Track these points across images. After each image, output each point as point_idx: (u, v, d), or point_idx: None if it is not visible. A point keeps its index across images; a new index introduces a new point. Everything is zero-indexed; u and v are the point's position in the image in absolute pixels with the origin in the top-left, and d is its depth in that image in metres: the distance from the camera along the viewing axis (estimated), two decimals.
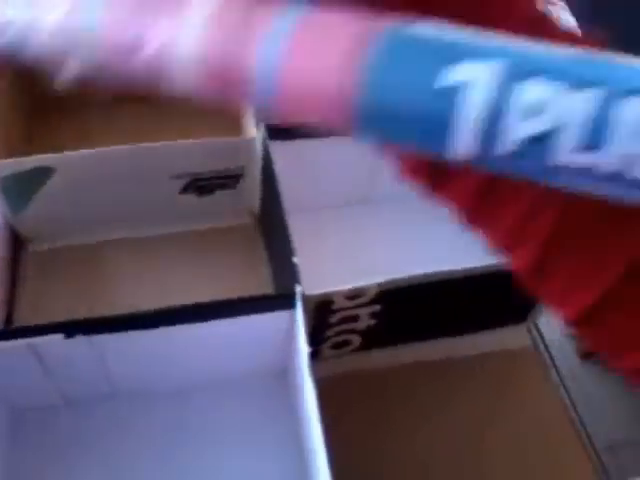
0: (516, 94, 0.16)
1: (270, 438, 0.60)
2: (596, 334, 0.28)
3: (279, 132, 0.58)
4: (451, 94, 0.17)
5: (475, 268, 0.53)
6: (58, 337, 0.48)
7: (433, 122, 0.18)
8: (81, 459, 0.58)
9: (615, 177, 0.16)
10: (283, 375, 0.64)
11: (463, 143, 0.18)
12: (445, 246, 0.59)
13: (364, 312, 0.54)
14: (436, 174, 0.27)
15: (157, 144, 0.58)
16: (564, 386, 0.76)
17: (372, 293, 0.52)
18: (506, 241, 0.28)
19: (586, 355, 1.40)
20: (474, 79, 0.17)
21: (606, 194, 0.17)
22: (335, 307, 0.53)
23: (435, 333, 0.61)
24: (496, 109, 0.17)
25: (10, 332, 0.49)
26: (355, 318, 0.55)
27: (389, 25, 0.19)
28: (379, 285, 0.51)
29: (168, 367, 0.58)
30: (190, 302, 0.51)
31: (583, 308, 0.26)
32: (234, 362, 0.60)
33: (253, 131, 0.60)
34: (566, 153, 0.16)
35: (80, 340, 0.49)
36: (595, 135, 0.16)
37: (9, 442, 0.58)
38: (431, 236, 0.63)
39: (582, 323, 0.27)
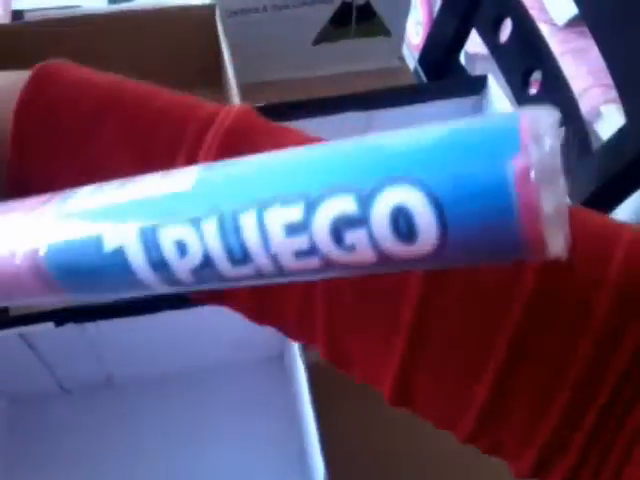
0: (161, 244, 0.19)
1: (266, 422, 0.60)
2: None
3: (262, 114, 0.58)
4: (118, 255, 0.19)
5: None
6: (49, 325, 0.48)
7: (120, 276, 0.20)
8: (78, 447, 0.58)
9: (278, 274, 0.18)
10: (279, 359, 0.64)
11: (155, 284, 0.20)
12: None
13: None
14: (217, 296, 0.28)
15: None
16: None
17: None
18: (297, 335, 0.29)
19: None
20: (124, 241, 0.19)
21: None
22: None
23: None
24: (155, 258, 0.19)
25: (1, 322, 0.49)
26: None
27: (51, 206, 0.21)
28: None
29: (162, 353, 0.58)
30: None
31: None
32: (229, 347, 0.61)
33: None
34: (229, 270, 0.19)
35: (71, 328, 0.49)
36: (232, 252, 0.18)
37: (7, 431, 0.59)
38: None
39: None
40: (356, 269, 0.18)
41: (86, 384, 0.60)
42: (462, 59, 0.92)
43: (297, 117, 0.59)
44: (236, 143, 0.26)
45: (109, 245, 0.19)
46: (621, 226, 0.24)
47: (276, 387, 0.62)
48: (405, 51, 0.86)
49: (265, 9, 0.73)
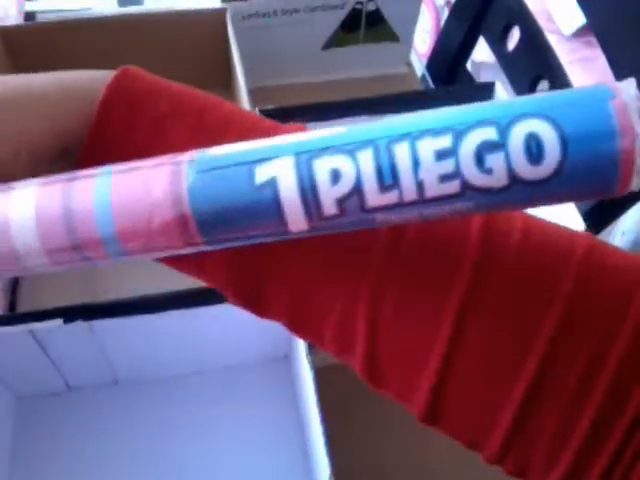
0: (315, 172, 0.21)
1: (271, 424, 0.60)
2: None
3: (272, 117, 0.58)
4: (269, 186, 0.21)
5: None
6: (57, 322, 0.48)
7: (264, 212, 0.22)
8: (83, 444, 0.58)
9: (417, 201, 0.21)
10: (285, 361, 0.64)
11: (295, 220, 0.22)
12: None
13: None
14: (252, 299, 0.28)
15: None
16: None
17: None
18: (336, 351, 0.29)
19: None
20: (278, 172, 0.21)
21: (421, 216, 0.22)
22: None
23: None
24: (307, 186, 0.21)
25: (10, 318, 0.49)
26: None
27: (193, 152, 0.23)
28: None
29: (169, 352, 0.59)
30: (192, 287, 0.51)
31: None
32: (236, 347, 0.61)
33: None
34: (374, 198, 0.21)
35: (80, 325, 0.49)
36: (383, 177, 0.21)
37: (14, 428, 0.59)
38: None
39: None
40: (485, 196, 0.21)
41: (92, 382, 0.60)
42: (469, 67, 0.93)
43: (305, 120, 0.60)
44: None
45: (261, 177, 0.21)
46: None
47: (281, 389, 0.62)
48: (413, 57, 0.86)
49: (276, 13, 0.74)
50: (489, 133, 0.20)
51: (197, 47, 0.75)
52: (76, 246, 0.23)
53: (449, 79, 0.88)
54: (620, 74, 0.68)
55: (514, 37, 0.81)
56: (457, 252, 0.26)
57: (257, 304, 0.29)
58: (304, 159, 0.21)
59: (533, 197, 0.21)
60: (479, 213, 0.23)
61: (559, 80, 0.75)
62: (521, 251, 0.26)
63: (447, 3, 1.41)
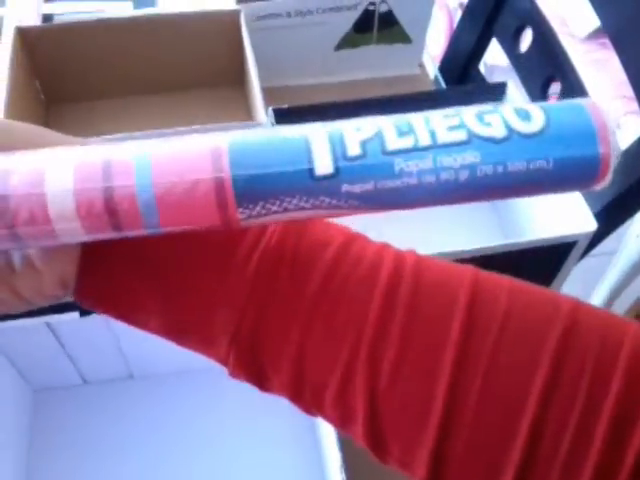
0: (342, 128, 0.25)
1: (284, 422, 0.60)
2: None
3: (285, 116, 0.59)
4: (300, 135, 0.25)
5: (485, 248, 0.53)
6: (74, 315, 0.49)
7: (292, 148, 0.25)
8: (98, 437, 0.59)
9: (431, 146, 0.25)
10: None
11: (321, 158, 0.24)
12: (455, 226, 0.59)
13: None
14: (257, 375, 0.30)
15: (170, 129, 0.59)
16: None
17: None
18: (338, 421, 0.29)
19: None
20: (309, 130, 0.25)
21: (436, 169, 0.25)
22: None
23: None
24: (334, 133, 0.25)
25: (28, 310, 0.50)
26: None
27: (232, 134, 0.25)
28: None
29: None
30: None
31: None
32: None
33: (263, 116, 0.61)
34: (393, 142, 0.25)
35: (96, 319, 0.50)
36: (401, 127, 0.25)
37: (31, 421, 0.60)
38: (442, 215, 0.63)
39: None
40: (490, 145, 0.25)
41: (108, 376, 0.61)
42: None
43: (318, 120, 0.60)
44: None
45: (293, 132, 0.25)
46: (625, 321, 0.28)
47: None
48: (425, 59, 0.87)
49: (289, 15, 0.74)
50: (484, 107, 0.26)
51: (211, 48, 0.76)
52: (111, 209, 0.24)
53: (461, 81, 0.88)
54: (634, 75, 0.68)
55: (527, 39, 0.81)
56: (448, 314, 0.27)
57: (260, 377, 0.30)
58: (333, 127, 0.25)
59: (532, 152, 0.25)
60: (487, 169, 0.25)
61: (571, 81, 0.75)
62: (508, 314, 0.27)
63: (460, 5, 1.41)
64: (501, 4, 0.84)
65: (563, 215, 0.57)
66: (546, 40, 0.78)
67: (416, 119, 0.25)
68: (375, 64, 0.83)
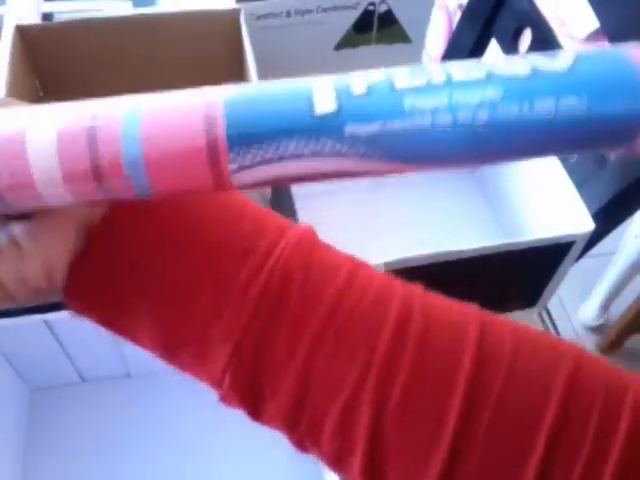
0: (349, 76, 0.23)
1: None
2: None
3: None
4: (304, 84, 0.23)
5: (483, 248, 0.53)
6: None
7: (293, 94, 0.23)
8: (95, 436, 0.59)
9: (446, 84, 0.22)
10: None
11: (323, 98, 0.22)
12: (454, 226, 0.59)
13: None
14: (253, 398, 0.28)
15: None
16: None
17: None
18: (333, 455, 0.28)
19: (607, 349, 1.38)
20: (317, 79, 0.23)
21: (452, 109, 0.22)
22: None
23: None
24: (340, 79, 0.23)
25: (25, 307, 0.50)
26: None
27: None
28: (386, 264, 0.52)
29: None
30: None
31: None
32: None
33: None
34: (404, 80, 0.22)
35: None
36: (416, 71, 0.23)
37: (28, 420, 0.60)
38: (440, 216, 0.63)
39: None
40: (512, 82, 0.22)
41: (105, 375, 0.61)
42: None
43: None
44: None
45: (298, 82, 0.23)
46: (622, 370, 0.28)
47: None
48: (425, 59, 0.87)
49: (289, 14, 0.74)
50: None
51: (211, 47, 0.76)
52: (96, 165, 0.22)
53: None
54: None
55: (526, 39, 0.81)
56: (459, 347, 0.27)
57: (256, 401, 0.28)
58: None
59: (561, 87, 0.21)
60: (511, 106, 0.22)
61: None
62: (515, 354, 0.27)
63: (459, 6, 1.41)
64: (500, 4, 0.84)
65: (561, 215, 0.57)
66: (545, 41, 0.78)
67: (430, 65, 0.23)
68: (375, 64, 0.82)
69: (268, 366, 0.27)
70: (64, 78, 0.74)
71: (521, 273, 0.58)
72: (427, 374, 0.26)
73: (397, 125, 0.22)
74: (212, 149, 0.22)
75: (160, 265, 0.28)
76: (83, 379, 0.61)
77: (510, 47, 0.83)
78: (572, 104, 0.22)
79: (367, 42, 0.81)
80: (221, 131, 0.22)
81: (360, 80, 0.23)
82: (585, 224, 0.55)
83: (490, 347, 0.27)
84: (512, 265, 0.56)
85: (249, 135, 0.22)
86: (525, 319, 0.66)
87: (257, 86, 0.23)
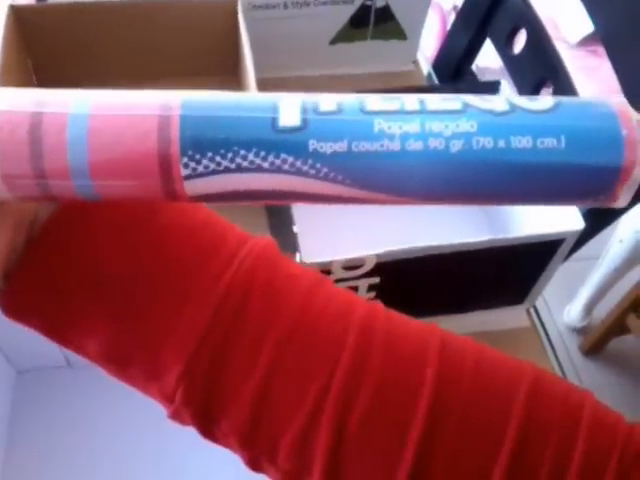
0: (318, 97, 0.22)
1: None
2: None
3: None
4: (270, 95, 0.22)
5: (473, 243, 0.53)
6: None
7: (260, 103, 0.22)
8: (81, 420, 0.59)
9: (418, 111, 0.22)
10: None
11: (287, 110, 0.21)
12: (447, 220, 0.59)
13: (363, 284, 0.55)
14: (206, 415, 0.26)
15: None
16: (563, 375, 0.76)
17: (370, 264, 0.52)
18: (287, 476, 0.27)
19: (590, 350, 1.39)
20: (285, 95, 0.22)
21: (423, 132, 0.21)
22: (333, 278, 0.53)
23: (433, 310, 0.62)
24: (308, 99, 0.22)
25: None
26: (353, 290, 0.56)
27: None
28: (377, 256, 0.52)
29: None
30: None
31: None
32: None
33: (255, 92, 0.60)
34: (375, 103, 0.22)
35: None
36: (388, 98, 0.22)
37: (13, 402, 0.60)
38: (432, 210, 0.63)
39: None
40: (488, 116, 0.21)
41: None
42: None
43: None
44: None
45: (265, 95, 0.22)
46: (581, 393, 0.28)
47: None
48: (419, 56, 0.87)
49: (286, 6, 0.74)
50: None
51: (207, 36, 0.76)
52: (38, 165, 0.20)
53: (454, 80, 0.89)
54: (626, 82, 0.69)
55: (520, 40, 0.82)
56: (422, 357, 0.27)
57: (208, 418, 0.26)
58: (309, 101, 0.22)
59: (537, 128, 0.21)
60: (485, 141, 0.21)
61: (563, 84, 0.75)
62: (475, 375, 0.27)
63: (454, 8, 1.42)
64: (495, 5, 0.84)
65: (551, 213, 0.58)
66: (539, 42, 0.79)
67: (407, 96, 0.22)
68: (370, 59, 0.83)
69: (223, 382, 0.26)
70: (57, 59, 0.73)
71: (510, 269, 0.59)
72: (388, 395, 0.26)
73: (365, 146, 0.21)
74: (164, 151, 0.21)
75: (112, 271, 0.26)
76: (69, 362, 0.61)
77: (504, 48, 0.84)
78: (550, 146, 0.21)
79: (363, 38, 0.81)
80: (175, 133, 0.21)
81: (329, 98, 0.22)
82: (575, 222, 0.55)
83: (451, 365, 0.27)
84: (501, 261, 0.56)
85: (204, 140, 0.21)
86: (512, 316, 0.66)
87: (221, 93, 0.22)
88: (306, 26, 0.77)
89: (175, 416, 0.27)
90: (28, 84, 0.73)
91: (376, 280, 0.54)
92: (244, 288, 0.26)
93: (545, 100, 0.22)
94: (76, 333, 0.26)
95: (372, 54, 0.83)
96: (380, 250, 0.52)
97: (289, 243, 0.53)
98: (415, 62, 0.87)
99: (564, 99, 0.22)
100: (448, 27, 0.95)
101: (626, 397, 1.33)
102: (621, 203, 0.22)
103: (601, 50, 0.74)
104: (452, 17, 1.17)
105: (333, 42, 0.81)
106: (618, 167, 0.21)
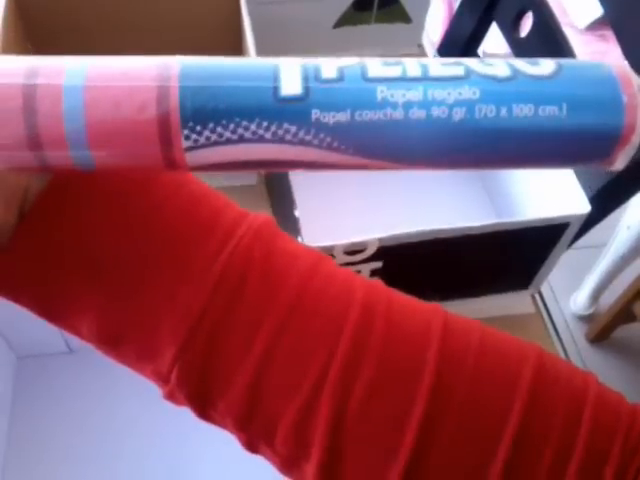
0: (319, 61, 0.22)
1: None
2: None
3: None
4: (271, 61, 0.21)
5: (477, 227, 0.53)
6: None
7: (258, 71, 0.21)
8: (84, 406, 0.59)
9: (420, 78, 0.21)
10: None
11: (289, 79, 0.21)
12: (448, 205, 0.58)
13: (365, 269, 0.55)
14: (202, 395, 0.26)
15: None
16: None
17: (373, 248, 0.52)
18: (285, 459, 0.26)
19: (596, 338, 1.39)
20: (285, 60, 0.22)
21: (426, 101, 0.21)
22: (335, 262, 0.53)
23: (435, 295, 0.61)
24: (309, 63, 0.21)
25: None
26: None
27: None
28: (380, 240, 0.51)
29: None
30: None
31: None
32: None
33: None
34: (376, 69, 0.21)
35: None
36: (389, 62, 0.22)
37: (15, 388, 0.60)
38: (436, 194, 0.62)
39: None
40: (491, 83, 0.21)
41: None
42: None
43: None
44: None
45: (265, 60, 0.21)
46: (586, 375, 0.28)
47: None
48: (424, 40, 0.86)
49: None
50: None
51: (209, 18, 0.75)
52: (33, 134, 0.20)
53: None
54: (636, 68, 0.68)
55: (527, 24, 0.80)
56: (425, 338, 0.26)
57: (205, 398, 0.26)
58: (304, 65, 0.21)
59: (541, 94, 0.21)
60: (487, 109, 0.21)
61: None
62: (479, 356, 0.26)
63: None
64: None
65: (556, 196, 0.57)
66: (546, 25, 0.77)
67: (408, 59, 0.22)
68: (374, 43, 0.82)
69: (220, 361, 0.25)
70: (57, 42, 0.73)
71: (514, 254, 0.58)
72: (389, 377, 0.25)
73: (368, 115, 0.21)
74: (163, 123, 0.20)
75: (106, 247, 0.25)
76: (71, 349, 0.61)
77: (511, 32, 0.82)
78: (551, 114, 0.21)
79: (367, 21, 0.80)
80: (174, 104, 0.20)
81: (330, 63, 0.21)
82: (581, 206, 0.55)
83: (454, 346, 0.26)
84: (505, 245, 0.56)
85: (205, 111, 0.20)
86: (517, 302, 0.66)
87: (219, 59, 0.22)
88: (309, 9, 0.76)
89: (170, 397, 0.27)
90: None
91: (378, 265, 0.54)
92: (241, 268, 0.25)
93: (546, 64, 0.21)
94: (68, 311, 0.26)
95: (376, 38, 0.82)
96: (382, 234, 0.51)
97: (291, 228, 0.52)
98: (420, 46, 0.86)
99: (565, 63, 0.22)
100: (454, 12, 0.94)
101: (632, 384, 1.33)
102: (617, 166, 0.22)
103: (610, 35, 0.73)
104: (458, 1, 1.16)
105: (337, 25, 0.80)
106: (618, 132, 0.21)
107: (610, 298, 1.32)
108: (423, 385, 0.25)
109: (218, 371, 0.25)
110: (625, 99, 0.21)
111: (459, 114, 0.21)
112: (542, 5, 0.78)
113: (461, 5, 0.90)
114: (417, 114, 0.21)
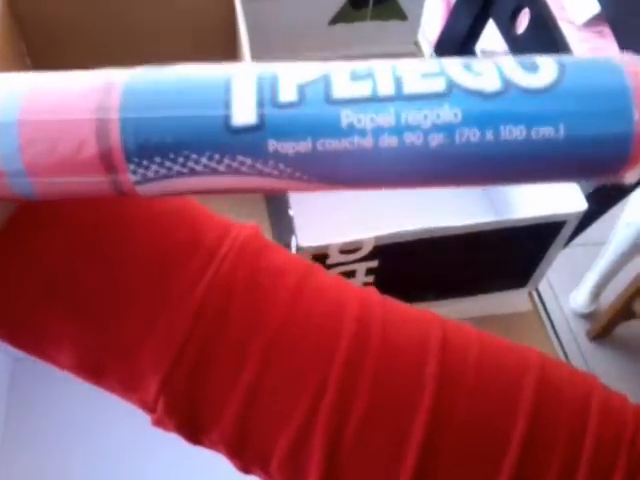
0: (277, 71, 0.20)
1: None
2: None
3: None
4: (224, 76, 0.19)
5: (474, 225, 0.52)
6: None
7: (207, 89, 0.19)
8: (79, 407, 0.59)
9: (393, 97, 0.19)
10: None
11: (241, 104, 0.18)
12: (446, 202, 0.58)
13: (360, 268, 0.54)
14: (191, 425, 0.25)
15: None
16: (568, 361, 0.75)
17: (368, 247, 0.52)
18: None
19: (597, 336, 1.38)
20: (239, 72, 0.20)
21: (398, 127, 0.19)
22: (330, 262, 0.53)
23: (432, 294, 0.61)
24: (265, 74, 0.19)
25: None
26: (351, 274, 0.55)
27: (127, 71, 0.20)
28: (375, 239, 0.51)
29: None
30: None
31: None
32: None
33: None
34: (343, 87, 0.19)
35: None
36: (358, 72, 0.19)
37: (10, 389, 0.59)
38: (432, 192, 0.62)
39: None
40: (477, 102, 0.18)
41: None
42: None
43: None
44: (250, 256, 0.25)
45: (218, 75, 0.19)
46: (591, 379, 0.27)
47: None
48: (421, 37, 0.86)
49: None
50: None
51: (203, 19, 0.74)
52: None
53: None
54: None
55: (524, 20, 0.80)
56: (422, 354, 0.25)
57: (194, 428, 0.25)
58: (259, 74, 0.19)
59: (535, 114, 0.17)
60: (470, 133, 0.18)
61: None
62: (479, 370, 0.25)
63: None
64: None
65: (553, 194, 0.56)
66: (543, 21, 0.77)
67: (381, 64, 0.19)
68: (370, 40, 0.82)
69: (208, 389, 0.24)
70: (52, 43, 0.72)
71: (511, 251, 0.58)
72: (386, 399, 0.24)
73: (331, 145, 0.18)
74: (106, 159, 0.18)
75: (78, 277, 0.24)
76: None
77: (508, 28, 0.82)
78: (546, 136, 0.18)
79: (363, 18, 0.80)
80: (115, 140, 0.18)
81: (289, 79, 0.19)
82: (578, 204, 0.54)
83: (454, 361, 0.25)
84: (502, 243, 0.55)
85: (150, 146, 0.18)
86: (515, 300, 0.65)
87: (167, 74, 0.19)
88: (304, 6, 0.76)
89: (158, 424, 0.26)
90: (21, 67, 0.72)
91: (374, 264, 0.54)
92: (226, 288, 0.24)
93: (546, 70, 0.18)
94: (45, 344, 0.25)
95: (372, 35, 0.82)
96: (378, 233, 0.51)
97: (286, 227, 0.52)
98: (416, 43, 0.85)
99: (570, 65, 0.18)
100: (451, 8, 0.93)
101: (633, 382, 1.32)
102: (628, 181, 0.19)
103: (607, 31, 0.72)
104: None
105: (332, 23, 0.80)
106: (626, 154, 0.18)
107: (610, 296, 1.32)
108: (422, 407, 0.24)
109: (206, 400, 0.24)
110: (637, 116, 0.17)
111: (436, 140, 0.18)
112: (539, 1, 0.78)
113: (457, 2, 0.90)
114: (388, 141, 0.18)
